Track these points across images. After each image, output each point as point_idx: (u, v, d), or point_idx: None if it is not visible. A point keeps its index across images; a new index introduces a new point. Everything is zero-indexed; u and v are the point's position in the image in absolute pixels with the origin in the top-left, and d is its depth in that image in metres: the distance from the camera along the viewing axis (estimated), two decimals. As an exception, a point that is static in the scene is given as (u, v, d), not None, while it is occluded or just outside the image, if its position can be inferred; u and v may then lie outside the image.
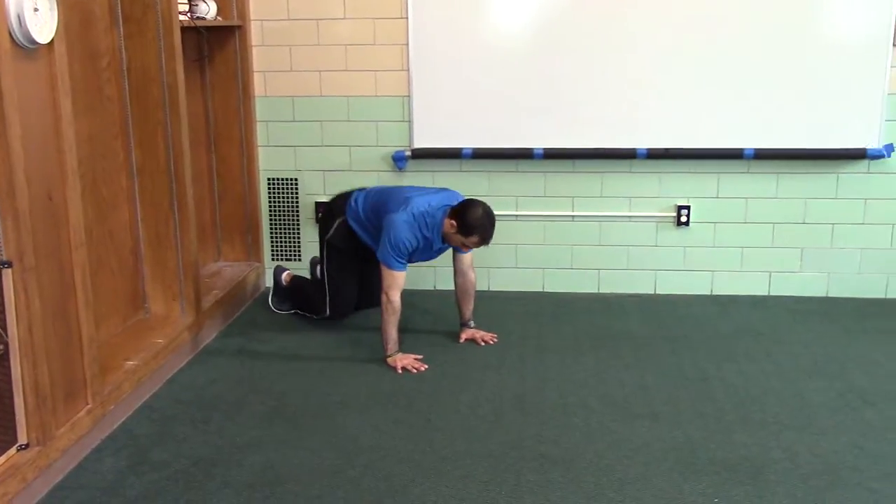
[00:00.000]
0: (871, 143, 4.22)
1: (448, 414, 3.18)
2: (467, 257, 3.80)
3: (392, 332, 3.60)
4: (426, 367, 3.56)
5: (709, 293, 4.53)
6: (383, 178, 4.50)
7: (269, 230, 4.67)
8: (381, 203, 3.74)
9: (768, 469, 2.77)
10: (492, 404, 3.25)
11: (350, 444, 2.96)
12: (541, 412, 3.19)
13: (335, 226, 3.93)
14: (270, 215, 4.65)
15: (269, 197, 4.62)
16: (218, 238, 4.58)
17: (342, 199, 3.96)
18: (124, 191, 3.56)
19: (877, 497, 2.60)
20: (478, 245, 3.59)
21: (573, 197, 4.47)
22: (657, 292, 4.54)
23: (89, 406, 2.89)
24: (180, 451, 2.91)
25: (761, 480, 2.70)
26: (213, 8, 3.99)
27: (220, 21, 4.12)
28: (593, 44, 4.22)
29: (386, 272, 3.57)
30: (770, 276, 4.49)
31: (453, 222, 3.54)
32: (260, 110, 4.49)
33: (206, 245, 4.44)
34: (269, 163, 4.56)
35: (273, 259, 4.68)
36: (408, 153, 4.44)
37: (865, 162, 4.28)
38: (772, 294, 4.50)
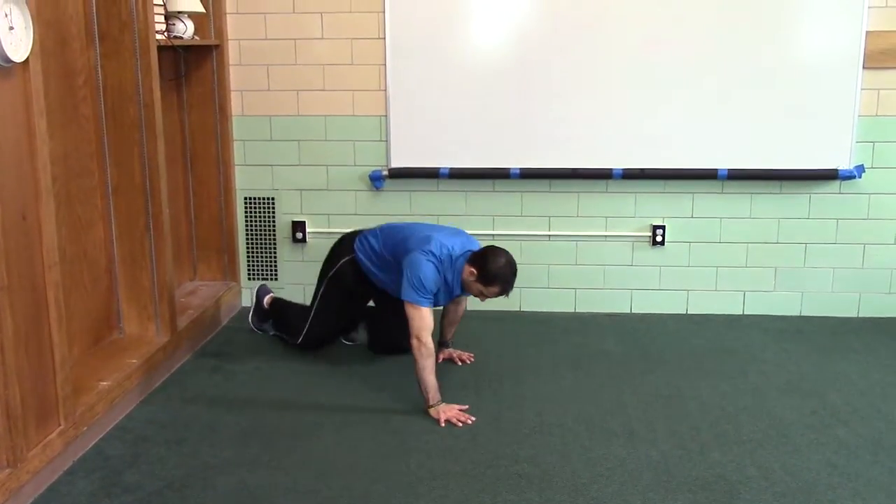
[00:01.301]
0: (843, 164, 4.28)
1: (424, 433, 3.17)
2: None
3: (431, 379, 3.31)
4: (474, 419, 3.28)
5: (684, 312, 4.56)
6: (360, 198, 4.50)
7: (246, 250, 4.65)
8: (400, 240, 3.60)
9: (743, 487, 2.78)
10: (468, 424, 3.24)
11: (325, 464, 2.94)
12: (517, 431, 3.19)
13: (340, 263, 3.82)
14: (247, 235, 4.63)
15: (246, 216, 4.61)
16: (194, 257, 4.55)
17: (349, 238, 3.86)
18: (99, 210, 3.54)
19: (850, 515, 2.62)
20: (497, 296, 3.41)
21: (550, 216, 4.49)
22: (633, 311, 4.57)
23: (61, 427, 2.86)
24: (154, 472, 2.88)
25: (736, 498, 2.71)
26: (191, 27, 3.99)
27: (198, 40, 4.12)
28: (570, 65, 4.26)
29: (413, 312, 3.35)
30: (744, 295, 4.53)
31: (473, 270, 3.37)
32: (237, 129, 4.48)
33: (182, 264, 4.42)
34: (246, 182, 4.56)
35: (250, 278, 4.66)
36: (385, 173, 4.45)
37: (837, 182, 4.34)
38: (746, 313, 4.54)
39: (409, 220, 4.44)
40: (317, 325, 3.94)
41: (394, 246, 3.62)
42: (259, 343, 4.14)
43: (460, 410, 3.31)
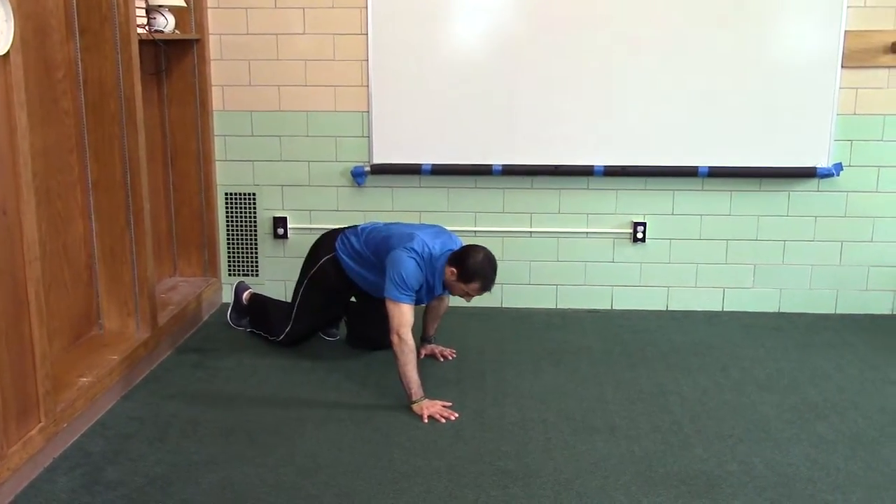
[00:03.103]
0: (821, 162, 4.32)
1: (407, 429, 3.17)
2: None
3: (413, 375, 3.32)
4: (457, 415, 3.29)
5: (664, 308, 4.59)
6: (342, 194, 4.49)
7: (227, 245, 4.63)
8: (382, 238, 3.60)
9: (724, 482, 2.81)
10: (452, 420, 3.25)
11: (309, 460, 2.94)
12: (500, 427, 3.20)
13: (321, 262, 3.80)
14: (227, 230, 4.61)
15: (227, 212, 4.58)
16: (174, 253, 4.52)
17: (330, 237, 3.85)
18: (79, 205, 3.51)
19: (829, 508, 2.66)
20: (479, 293, 3.41)
21: (531, 213, 4.50)
22: (614, 307, 4.59)
23: (42, 424, 2.83)
24: (136, 469, 2.87)
25: (717, 493, 2.74)
26: (172, 21, 3.96)
27: (179, 34, 4.09)
28: (552, 62, 4.28)
29: (393, 308, 3.35)
30: (724, 291, 4.57)
31: (454, 269, 3.37)
32: (218, 124, 4.46)
33: (162, 260, 4.39)
34: (227, 177, 4.53)
35: (230, 274, 4.64)
36: (367, 169, 4.44)
37: (815, 181, 4.39)
38: (725, 309, 4.57)
39: (391, 216, 4.44)
40: (298, 323, 3.93)
41: (376, 244, 3.62)
42: (240, 339, 4.12)
43: (443, 406, 3.31)
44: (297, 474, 2.84)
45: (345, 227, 3.88)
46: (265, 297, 4.27)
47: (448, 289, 3.50)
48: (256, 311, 4.17)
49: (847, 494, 2.74)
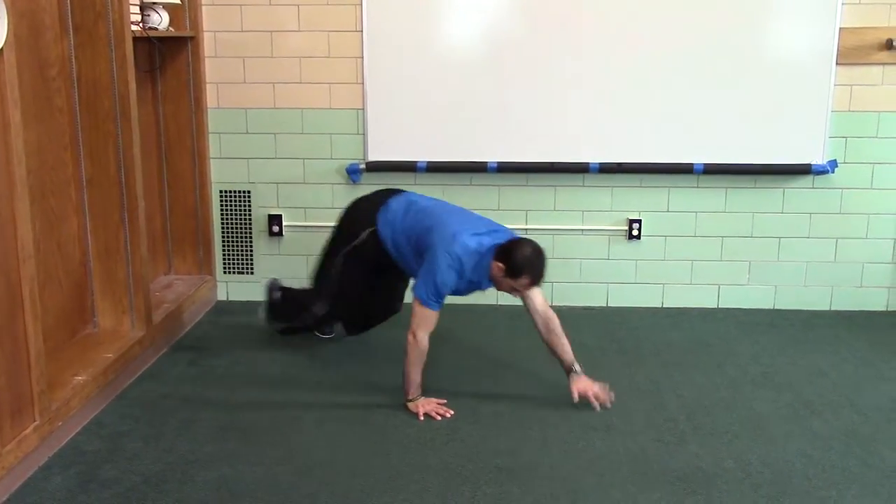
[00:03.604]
0: (816, 159, 4.33)
1: (403, 427, 3.17)
2: (538, 295, 3.39)
3: (415, 376, 3.28)
4: (452, 412, 3.28)
5: (660, 306, 4.59)
6: (337, 191, 4.49)
7: (221, 243, 4.62)
8: (424, 228, 3.35)
9: (720, 478, 2.81)
10: (447, 417, 3.25)
11: (305, 458, 2.93)
12: (496, 424, 3.20)
13: (364, 235, 3.51)
14: (222, 228, 4.60)
15: (222, 209, 4.57)
16: (169, 251, 4.51)
17: (371, 206, 3.55)
18: (73, 202, 3.50)
19: (825, 505, 2.66)
20: (528, 287, 3.24)
21: (527, 210, 4.50)
22: (609, 305, 4.59)
23: (37, 423, 2.82)
24: (131, 467, 2.86)
25: (713, 490, 2.74)
26: (166, 18, 3.94)
27: (173, 32, 4.08)
28: (547, 59, 4.27)
29: (419, 309, 3.23)
30: (719, 288, 4.57)
31: (500, 265, 3.19)
32: (212, 122, 4.44)
33: (157, 258, 4.38)
34: (222, 175, 4.52)
35: (225, 272, 4.63)
36: (362, 166, 4.44)
37: (810, 177, 4.39)
38: (721, 306, 4.58)
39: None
40: (352, 306, 3.69)
41: (417, 235, 3.38)
42: (236, 337, 4.11)
43: (439, 404, 3.31)
44: (293, 472, 2.84)
45: (387, 195, 3.59)
46: (298, 290, 3.95)
47: (495, 285, 3.31)
48: (290, 301, 3.87)
49: (842, 491, 2.74)
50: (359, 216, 3.60)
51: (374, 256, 3.52)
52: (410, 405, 3.30)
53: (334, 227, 3.73)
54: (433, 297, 3.23)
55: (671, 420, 3.24)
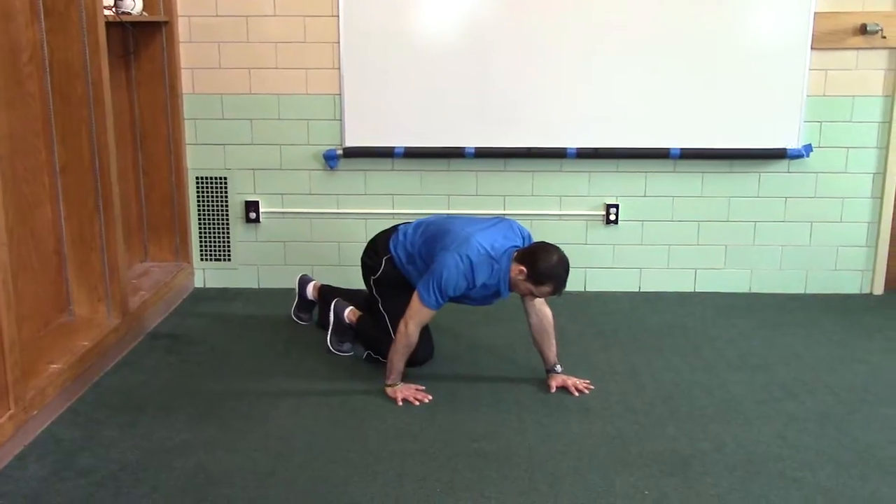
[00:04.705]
0: (791, 143, 4.36)
1: (381, 413, 3.18)
2: None
3: (398, 364, 3.27)
4: (430, 397, 3.27)
5: (637, 290, 4.62)
6: (314, 178, 4.47)
7: (198, 230, 4.59)
8: (436, 236, 3.33)
9: (696, 460, 2.84)
10: (425, 402, 3.25)
11: (283, 445, 2.93)
12: (474, 409, 3.21)
13: (382, 265, 3.52)
14: (199, 215, 4.57)
15: (198, 196, 4.54)
16: (144, 238, 4.48)
17: (385, 236, 3.57)
18: (46, 189, 3.46)
19: (799, 485, 2.69)
20: (548, 295, 3.20)
21: (505, 196, 4.50)
22: (587, 289, 4.61)
23: (11, 411, 2.80)
24: (108, 455, 2.84)
25: (689, 471, 2.77)
26: (140, 2, 3.90)
27: (147, 16, 4.03)
28: (524, 45, 4.27)
29: (416, 303, 3.20)
30: (696, 272, 4.60)
31: (523, 269, 3.13)
32: (188, 108, 4.40)
33: (133, 245, 4.35)
34: (198, 161, 4.49)
35: (202, 259, 4.60)
36: (339, 152, 4.42)
37: (786, 162, 4.42)
38: (697, 290, 4.61)
39: (364, 199, 4.46)
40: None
41: (429, 241, 3.35)
42: (213, 325, 4.10)
43: (417, 389, 3.31)
44: (270, 459, 2.83)
45: (399, 224, 3.61)
46: (365, 316, 3.71)
47: (513, 287, 3.23)
48: (364, 333, 3.69)
49: (816, 471, 2.77)
50: (376, 248, 3.59)
51: (396, 283, 3.49)
52: (389, 390, 3.30)
53: (361, 270, 3.68)
54: (433, 294, 3.17)
55: (648, 403, 3.27)
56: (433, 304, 3.20)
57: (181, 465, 2.78)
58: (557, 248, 3.18)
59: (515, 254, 3.19)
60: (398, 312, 3.33)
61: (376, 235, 3.67)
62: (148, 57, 4.25)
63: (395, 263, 3.48)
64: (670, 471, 2.77)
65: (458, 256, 3.16)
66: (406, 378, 3.35)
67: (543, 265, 3.11)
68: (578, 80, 4.30)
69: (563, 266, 3.14)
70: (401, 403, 3.24)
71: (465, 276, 3.17)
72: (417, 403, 3.24)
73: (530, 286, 3.16)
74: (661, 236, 4.55)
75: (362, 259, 3.67)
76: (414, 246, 3.43)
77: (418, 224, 3.51)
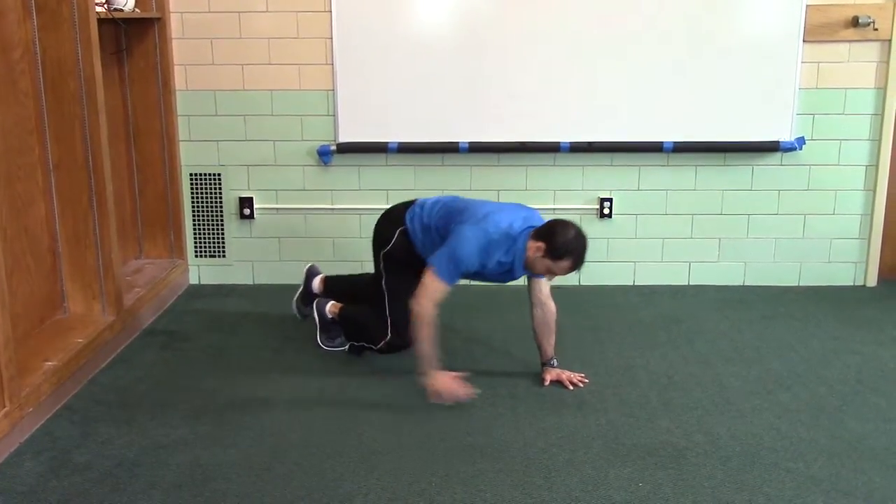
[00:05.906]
0: (784, 136, 4.37)
1: (377, 408, 3.18)
2: (546, 286, 3.36)
3: (427, 348, 3.08)
4: (474, 391, 3.14)
5: (631, 283, 4.63)
6: (308, 173, 4.47)
7: (193, 226, 4.59)
8: (455, 211, 3.28)
9: (690, 452, 2.85)
10: (420, 397, 3.25)
11: (279, 440, 2.94)
12: (469, 403, 3.20)
13: (395, 236, 3.43)
14: (193, 211, 4.57)
15: (192, 193, 4.54)
16: (139, 235, 4.48)
17: (402, 207, 3.50)
18: (40, 187, 3.46)
19: (793, 476, 2.70)
20: (567, 272, 3.13)
21: (499, 190, 4.50)
22: (581, 283, 4.62)
23: (7, 409, 2.80)
24: (103, 452, 2.85)
25: (683, 463, 2.78)
26: (132, -1, 3.90)
27: (139, 13, 4.03)
28: (517, 39, 4.27)
29: (431, 279, 3.07)
30: (690, 266, 4.61)
31: (541, 245, 3.07)
32: (181, 104, 4.40)
33: (127, 242, 4.35)
34: (192, 158, 4.48)
35: (196, 256, 4.60)
36: (333, 147, 4.42)
37: (779, 154, 4.43)
38: (692, 283, 4.62)
39: (358, 195, 4.46)
40: (399, 311, 3.40)
41: (447, 216, 3.29)
42: (208, 321, 4.10)
43: (456, 377, 3.14)
44: (266, 454, 2.84)
45: (413, 200, 3.53)
46: (353, 306, 3.71)
47: (529, 266, 3.18)
48: (349, 322, 3.67)
49: (809, 462, 2.79)
50: (391, 218, 3.53)
51: (407, 259, 3.42)
52: (426, 383, 3.13)
53: (372, 240, 3.60)
54: (448, 267, 3.08)
55: (642, 396, 3.28)
56: (447, 277, 3.09)
57: (177, 461, 2.79)
58: (575, 223, 3.14)
59: (532, 232, 3.15)
60: (399, 292, 3.29)
61: (393, 206, 3.59)
62: (141, 53, 4.25)
63: (408, 235, 3.40)
64: (664, 463, 2.78)
65: (477, 230, 3.12)
66: (390, 372, 3.30)
67: (562, 239, 3.06)
68: (571, 74, 4.30)
69: (581, 240, 3.10)
70: (434, 399, 3.10)
71: (481, 250, 3.11)
72: (453, 402, 3.08)
73: (549, 262, 3.10)
74: (655, 230, 4.56)
75: (375, 228, 3.57)
76: (431, 218, 3.36)
77: (437, 200, 3.45)
